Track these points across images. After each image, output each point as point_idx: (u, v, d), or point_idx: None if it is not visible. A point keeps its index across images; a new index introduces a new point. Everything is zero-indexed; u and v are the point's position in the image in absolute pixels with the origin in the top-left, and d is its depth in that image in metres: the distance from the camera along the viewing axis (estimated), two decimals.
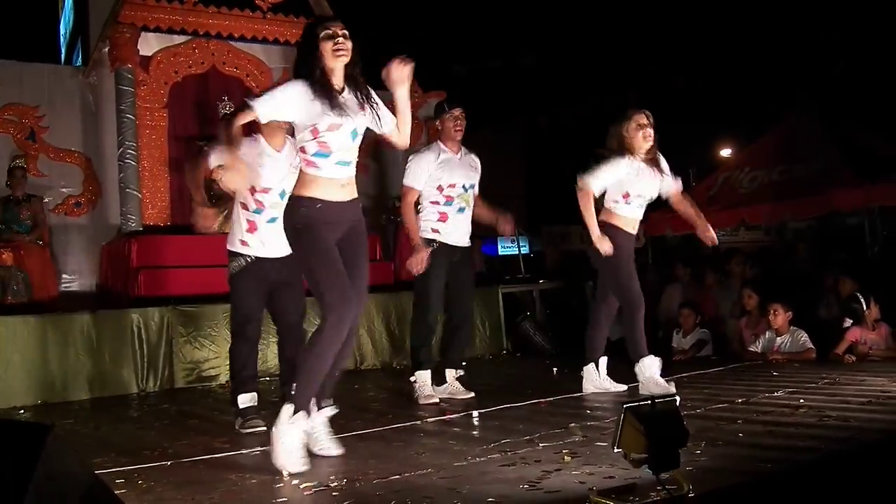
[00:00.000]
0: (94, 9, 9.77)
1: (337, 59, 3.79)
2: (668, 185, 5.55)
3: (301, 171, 3.88)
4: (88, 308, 7.40)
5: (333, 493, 3.12)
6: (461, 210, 5.65)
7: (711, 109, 16.01)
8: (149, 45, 9.32)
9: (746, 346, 7.04)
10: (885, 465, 3.35)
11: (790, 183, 10.05)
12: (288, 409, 3.64)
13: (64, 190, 9.24)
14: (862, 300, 6.59)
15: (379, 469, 3.48)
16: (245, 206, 4.88)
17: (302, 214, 3.82)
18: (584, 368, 5.56)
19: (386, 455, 3.81)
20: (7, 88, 9.02)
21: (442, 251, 5.58)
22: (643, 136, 5.35)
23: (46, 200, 8.80)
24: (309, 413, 3.72)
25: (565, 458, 3.45)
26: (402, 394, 5.83)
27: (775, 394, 4.94)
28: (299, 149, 3.87)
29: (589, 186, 5.35)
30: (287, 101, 3.79)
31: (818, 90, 11.82)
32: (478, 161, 5.85)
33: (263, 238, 4.81)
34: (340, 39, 3.77)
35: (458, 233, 5.68)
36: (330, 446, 3.87)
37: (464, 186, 5.65)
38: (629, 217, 5.47)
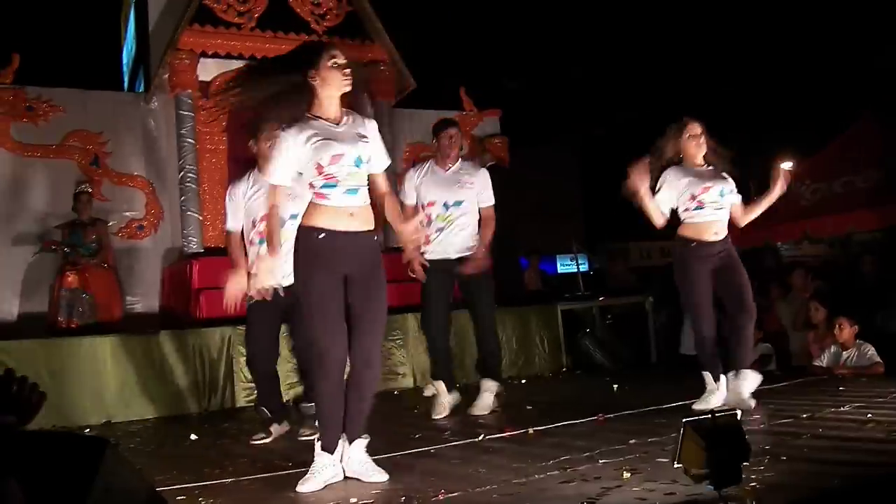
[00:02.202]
0: (154, 36, 9.96)
1: (344, 88, 3.79)
2: (732, 197, 5.47)
3: (310, 202, 3.82)
4: (152, 329, 7.53)
5: None
6: (439, 231, 5.63)
7: (772, 121, 15.81)
8: (207, 70, 9.46)
9: (814, 361, 6.89)
10: None
11: (853, 194, 9.85)
12: (317, 448, 3.78)
13: (127, 214, 9.41)
14: None
15: (438, 487, 3.47)
16: (252, 242, 5.15)
17: (304, 244, 3.82)
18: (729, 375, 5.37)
19: (444, 473, 3.80)
20: (71, 116, 9.23)
21: (434, 267, 5.54)
22: (696, 145, 5.36)
23: (110, 224, 8.98)
24: (333, 451, 3.77)
25: (624, 474, 3.40)
26: (457, 411, 5.80)
27: (842, 409, 4.82)
28: (308, 185, 3.81)
29: (660, 210, 5.40)
30: (288, 160, 3.78)
31: (880, 98, 11.58)
32: (479, 176, 5.76)
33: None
34: (348, 70, 3.77)
35: (445, 247, 5.66)
36: (374, 474, 3.79)
37: (444, 204, 5.63)
38: (703, 223, 5.36)
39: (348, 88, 3.81)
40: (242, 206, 5.31)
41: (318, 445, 3.78)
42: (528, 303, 9.57)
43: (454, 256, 5.64)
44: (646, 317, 9.66)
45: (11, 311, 8.68)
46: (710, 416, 2.72)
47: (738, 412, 2.87)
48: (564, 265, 19.68)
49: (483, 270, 5.67)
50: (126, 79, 18.13)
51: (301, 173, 3.81)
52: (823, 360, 6.74)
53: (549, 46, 16.50)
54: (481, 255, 5.63)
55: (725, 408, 2.92)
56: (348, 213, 3.80)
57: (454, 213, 5.64)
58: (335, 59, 3.76)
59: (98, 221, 8.60)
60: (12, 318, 8.62)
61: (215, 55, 9.30)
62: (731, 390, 5.29)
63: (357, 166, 3.81)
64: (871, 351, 6.53)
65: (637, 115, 18.14)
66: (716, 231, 5.34)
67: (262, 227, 4.89)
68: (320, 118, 3.82)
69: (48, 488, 1.55)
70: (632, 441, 4.20)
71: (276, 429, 5.34)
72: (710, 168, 5.44)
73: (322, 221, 3.77)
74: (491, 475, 3.65)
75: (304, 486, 3.66)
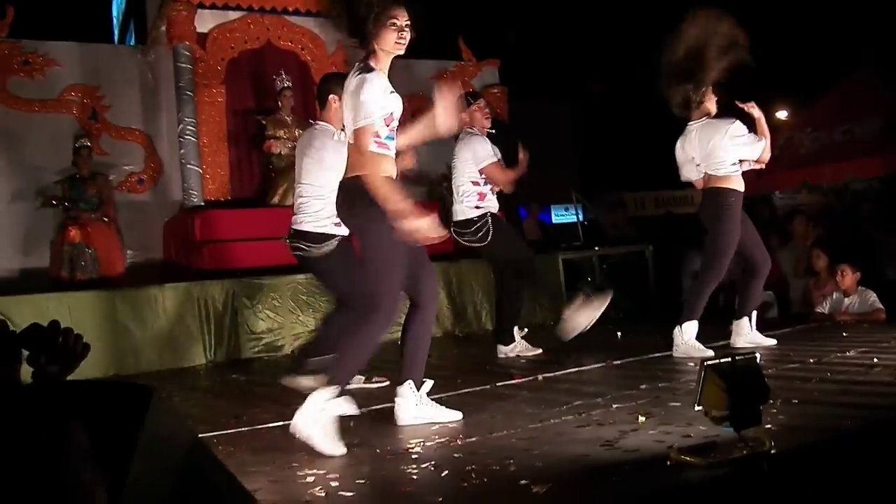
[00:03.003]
0: None
1: (397, 50, 3.72)
2: None
3: (370, 153, 3.64)
4: (155, 282, 7.55)
5: (413, 456, 3.16)
6: (491, 188, 6.00)
7: (767, 70, 15.70)
8: (205, 22, 9.40)
9: (815, 308, 6.95)
10: None
11: (853, 142, 9.86)
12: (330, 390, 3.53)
13: (126, 167, 9.38)
14: None
15: (455, 432, 3.53)
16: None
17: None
18: (736, 322, 5.59)
19: (461, 420, 3.83)
20: (69, 69, 9.17)
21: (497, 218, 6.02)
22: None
23: (110, 178, 8.94)
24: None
25: (640, 418, 3.45)
26: (467, 359, 5.87)
27: (847, 353, 4.87)
28: (374, 133, 3.66)
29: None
30: (386, 101, 3.68)
31: (879, 47, 11.52)
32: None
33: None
34: (404, 32, 3.69)
35: (495, 204, 6.06)
36: (450, 412, 3.88)
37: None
38: (741, 176, 5.57)
39: (400, 51, 3.74)
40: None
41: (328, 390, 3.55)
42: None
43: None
44: (646, 266, 9.70)
45: (12, 267, 8.68)
46: (730, 358, 2.75)
47: (759, 355, 2.90)
48: (559, 215, 19.67)
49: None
50: (116, 31, 17.94)
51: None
52: (825, 307, 6.79)
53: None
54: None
55: (746, 350, 2.95)
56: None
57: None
58: (394, 20, 3.66)
59: (98, 176, 8.58)
60: (13, 273, 8.63)
61: (213, 6, 9.25)
62: (751, 335, 5.56)
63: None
64: (872, 297, 6.58)
65: (634, 68, 18.07)
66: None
67: None
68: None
69: (98, 436, 1.57)
70: (643, 386, 4.25)
71: None
72: None
73: (388, 171, 3.71)
74: (506, 420, 3.70)
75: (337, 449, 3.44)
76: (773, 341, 5.50)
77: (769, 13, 14.25)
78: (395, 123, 3.76)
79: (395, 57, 3.80)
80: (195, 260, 8.11)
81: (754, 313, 5.62)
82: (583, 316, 5.38)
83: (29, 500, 1.35)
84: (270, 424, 4.09)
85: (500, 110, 10.85)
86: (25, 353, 1.87)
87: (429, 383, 3.91)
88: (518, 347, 6.09)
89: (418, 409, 3.82)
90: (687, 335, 5.34)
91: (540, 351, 6.08)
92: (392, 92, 3.69)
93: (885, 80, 10.03)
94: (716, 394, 2.71)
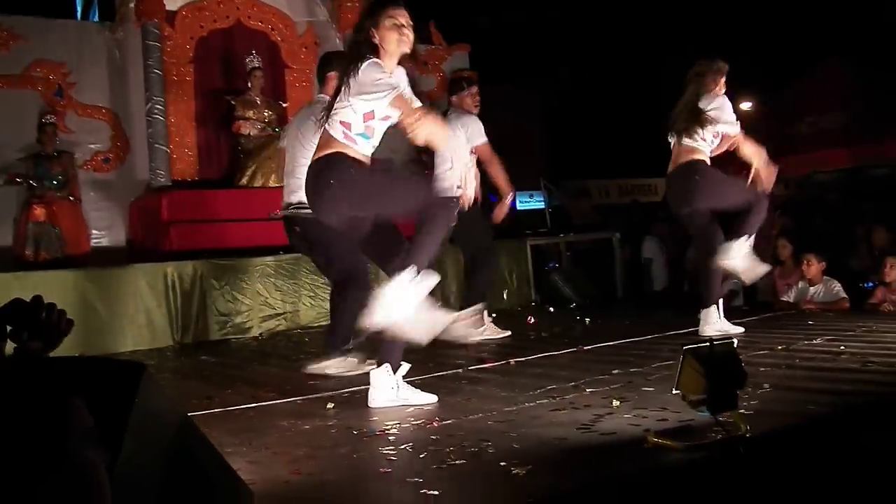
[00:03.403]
0: None
1: (402, 48, 3.74)
2: None
3: (335, 140, 3.75)
4: (121, 262, 7.47)
5: (390, 438, 3.17)
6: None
7: (733, 61, 15.77)
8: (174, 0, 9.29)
9: (779, 296, 7.04)
10: None
11: (818, 134, 9.99)
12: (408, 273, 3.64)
13: (92, 146, 9.22)
14: (888, 263, 6.55)
15: (430, 415, 3.53)
16: None
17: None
18: (704, 311, 5.57)
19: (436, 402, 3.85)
20: (33, 45, 8.98)
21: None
22: (721, 86, 5.57)
23: (77, 157, 8.82)
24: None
25: (614, 402, 3.48)
26: (437, 343, 5.86)
27: (814, 341, 4.95)
28: (341, 120, 3.73)
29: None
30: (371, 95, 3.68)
31: (845, 40, 11.67)
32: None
33: None
34: (406, 31, 3.72)
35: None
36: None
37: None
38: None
39: (406, 50, 3.75)
40: None
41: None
42: (497, 238, 9.62)
43: None
44: (612, 253, 9.78)
45: None
46: (708, 343, 2.79)
47: (735, 341, 2.94)
48: (523, 202, 19.73)
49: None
50: (79, 7, 17.61)
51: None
52: (791, 296, 6.89)
53: None
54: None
55: (722, 336, 2.99)
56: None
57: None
58: (393, 20, 3.69)
59: (64, 154, 8.45)
60: None
61: None
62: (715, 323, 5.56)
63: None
64: (837, 287, 6.69)
65: (601, 57, 18.17)
66: None
67: None
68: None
69: (92, 412, 1.56)
70: (615, 371, 4.29)
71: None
72: None
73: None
74: (481, 403, 3.71)
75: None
76: (740, 329, 5.55)
77: (736, 4, 14.38)
78: (377, 125, 3.75)
79: None
80: (162, 241, 8.02)
81: (721, 302, 5.65)
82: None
83: (31, 478, 1.33)
84: (243, 406, 4.07)
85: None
86: (8, 328, 1.85)
87: (405, 366, 3.90)
88: (488, 330, 6.12)
89: (394, 392, 3.81)
90: (712, 318, 5.49)
91: (508, 333, 6.13)
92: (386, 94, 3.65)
93: (851, 73, 10.16)
94: (694, 378, 2.75)
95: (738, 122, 5.57)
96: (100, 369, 1.69)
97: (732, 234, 5.59)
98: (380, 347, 3.89)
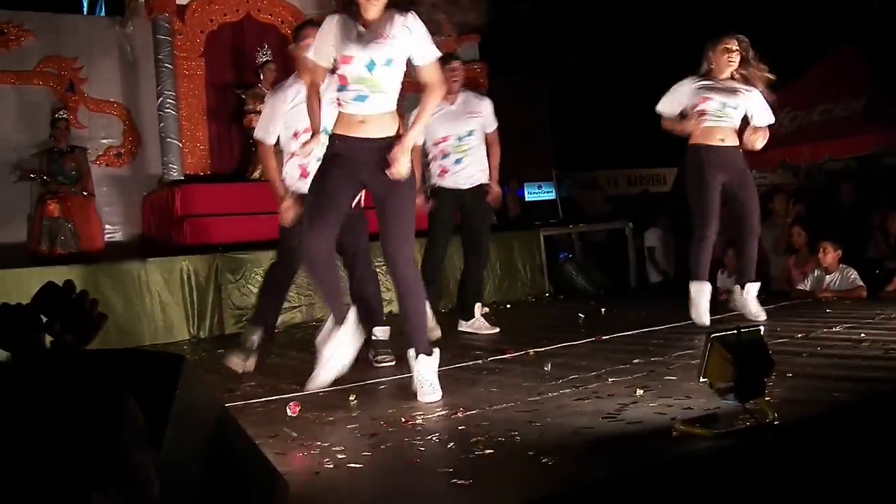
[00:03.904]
0: None
1: None
2: (755, 113, 5.60)
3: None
4: (134, 257, 7.48)
5: (417, 429, 3.17)
6: (458, 161, 5.86)
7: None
8: None
9: (794, 285, 7.02)
10: None
11: (831, 122, 9.93)
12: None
13: (104, 141, 9.27)
14: None
15: (454, 405, 3.53)
16: (293, 154, 4.84)
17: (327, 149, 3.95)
18: (735, 289, 5.78)
19: (458, 392, 3.84)
20: (44, 41, 9.01)
21: (446, 197, 5.91)
22: (727, 59, 5.42)
23: (89, 152, 8.83)
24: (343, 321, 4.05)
25: (638, 391, 3.47)
26: (452, 335, 5.89)
27: (834, 329, 4.95)
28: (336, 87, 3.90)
29: (657, 110, 5.63)
30: (324, 40, 3.86)
31: (858, 28, 11.59)
32: (482, 105, 5.95)
33: None
34: None
35: (460, 177, 5.92)
36: (430, 394, 3.82)
37: (458, 137, 5.82)
38: (707, 129, 5.49)
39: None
40: (282, 114, 4.86)
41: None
42: (509, 229, 9.64)
43: (466, 187, 5.92)
44: (625, 243, 9.76)
45: None
46: (735, 331, 2.78)
47: (762, 328, 2.94)
48: (532, 193, 19.70)
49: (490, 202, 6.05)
50: (86, 2, 17.57)
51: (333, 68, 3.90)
52: (807, 284, 6.87)
53: None
54: (496, 187, 6.02)
55: (750, 323, 2.98)
56: (358, 119, 3.83)
57: (467, 143, 5.85)
58: None
59: (77, 149, 8.47)
60: None
61: None
62: (741, 306, 5.64)
63: (369, 71, 3.75)
64: (853, 275, 6.66)
65: (612, 49, 18.08)
66: (721, 137, 5.49)
67: (304, 137, 4.72)
68: (357, 21, 3.78)
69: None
70: (635, 360, 4.29)
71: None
72: (731, 82, 5.49)
73: (338, 128, 3.88)
74: (504, 394, 3.72)
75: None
76: (763, 316, 5.54)
77: None
78: (346, 69, 3.79)
79: None
80: (176, 235, 8.05)
81: (753, 285, 5.66)
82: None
83: (85, 485, 1.28)
84: (265, 399, 4.08)
85: (481, 86, 10.81)
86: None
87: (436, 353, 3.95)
88: (477, 323, 6.14)
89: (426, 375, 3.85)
90: (749, 295, 5.56)
91: (497, 330, 6.09)
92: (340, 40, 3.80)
93: (864, 61, 10.10)
94: (721, 365, 2.74)
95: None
96: (140, 361, 1.68)
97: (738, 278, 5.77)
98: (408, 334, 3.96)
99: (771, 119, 5.64)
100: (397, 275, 3.89)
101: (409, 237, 3.91)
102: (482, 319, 6.16)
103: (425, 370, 3.82)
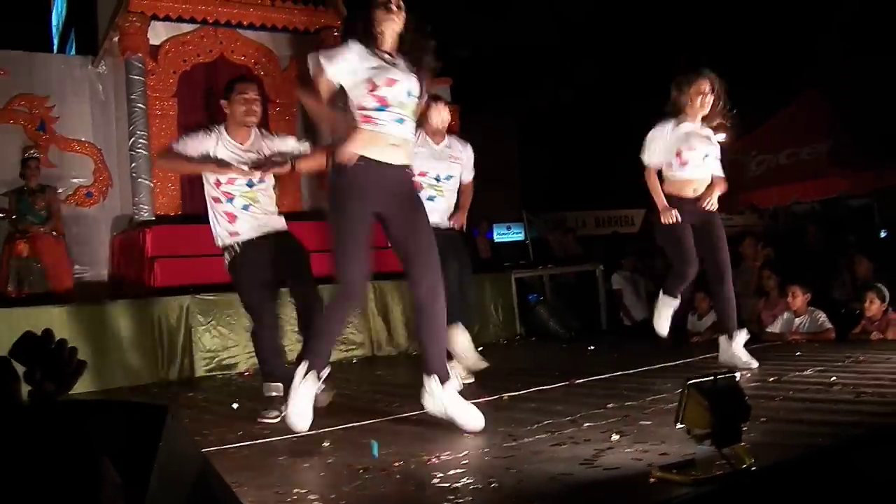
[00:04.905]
0: None
1: (387, 24, 3.93)
2: (713, 162, 5.58)
3: (356, 129, 3.90)
4: (104, 298, 7.41)
5: (394, 476, 3.14)
6: (431, 199, 5.73)
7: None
8: (157, 34, 9.30)
9: (765, 327, 7.09)
10: None
11: (798, 165, 10.10)
12: (301, 368, 3.96)
13: (75, 180, 9.21)
14: (868, 298, 6.61)
15: (429, 450, 3.50)
16: (217, 200, 4.89)
17: (343, 171, 3.88)
18: (721, 339, 5.62)
19: (432, 437, 3.82)
20: (16, 79, 8.98)
21: None
22: (701, 102, 5.38)
23: (59, 191, 8.78)
24: (320, 374, 4.03)
25: (613, 436, 3.48)
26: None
27: (805, 372, 4.99)
28: (357, 107, 3.91)
29: (645, 162, 5.53)
30: (347, 61, 3.90)
31: (822, 73, 11.84)
32: (465, 153, 5.93)
33: (242, 225, 4.88)
34: (394, 7, 3.91)
35: (433, 216, 5.77)
36: (474, 419, 3.90)
37: (436, 178, 5.78)
38: (683, 180, 5.52)
39: (392, 27, 3.94)
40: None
41: (304, 369, 4.02)
42: (481, 270, 9.66)
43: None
44: (595, 285, 9.82)
45: None
46: (712, 377, 2.80)
47: (738, 374, 2.96)
48: (502, 234, 19.83)
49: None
50: (56, 41, 17.54)
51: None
52: (776, 327, 6.94)
53: (497, 17, 16.51)
54: (462, 219, 5.93)
55: (725, 370, 3.00)
56: (392, 142, 3.92)
57: (445, 186, 5.82)
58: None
59: (48, 188, 8.41)
60: None
61: (166, 18, 9.14)
62: (729, 355, 5.50)
63: (407, 97, 3.93)
64: (822, 317, 6.75)
65: (578, 89, 18.30)
66: (695, 188, 5.51)
67: (227, 188, 4.81)
68: (379, 51, 3.95)
69: (115, 458, 1.52)
70: (610, 405, 4.29)
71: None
72: (705, 128, 5.52)
73: (366, 149, 3.88)
74: (479, 439, 3.70)
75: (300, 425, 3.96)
76: (754, 363, 5.42)
77: (714, 37, 14.57)
78: (387, 91, 3.90)
79: None
80: (146, 276, 7.97)
81: (741, 332, 5.56)
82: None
83: None
84: (238, 444, 4.03)
85: (454, 129, 10.88)
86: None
87: (453, 381, 4.02)
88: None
89: (442, 406, 3.94)
90: (735, 343, 5.45)
91: (487, 364, 5.96)
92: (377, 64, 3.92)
93: (828, 105, 10.31)
94: (698, 412, 2.75)
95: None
96: (124, 412, 1.66)
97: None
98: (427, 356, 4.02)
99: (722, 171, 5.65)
100: (439, 296, 4.00)
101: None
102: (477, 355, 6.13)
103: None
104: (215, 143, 4.88)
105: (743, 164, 10.73)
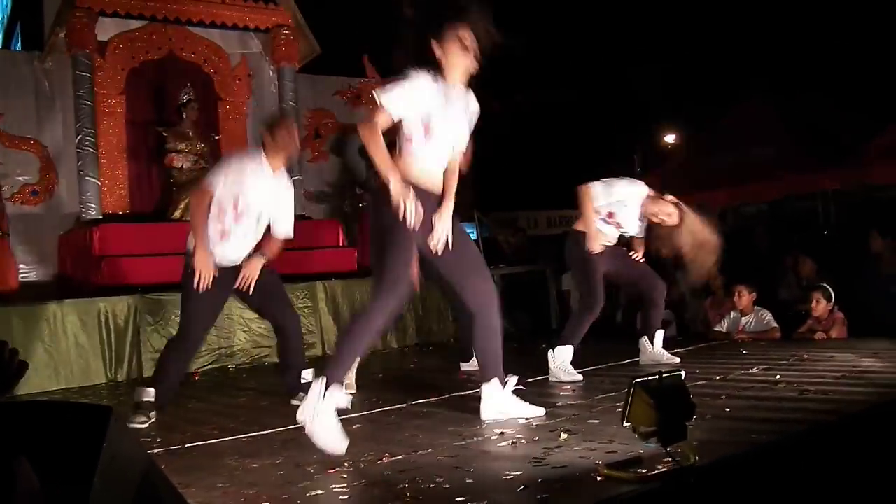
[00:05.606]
0: None
1: (463, 60, 3.81)
2: None
3: (401, 158, 3.83)
4: (51, 298, 7.30)
5: (342, 476, 3.14)
6: None
7: (653, 94, 16.22)
8: (106, 30, 9.19)
9: (712, 326, 7.20)
10: (872, 435, 3.48)
11: (745, 168, 10.25)
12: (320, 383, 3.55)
13: (20, 178, 9.04)
14: (814, 298, 6.74)
15: (379, 450, 3.50)
16: (223, 211, 4.79)
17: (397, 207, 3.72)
18: (641, 341, 5.80)
19: (381, 437, 3.83)
20: None
21: None
22: None
23: (4, 189, 8.62)
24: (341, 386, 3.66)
25: (562, 435, 3.51)
26: (376, 379, 5.87)
27: (750, 370, 5.07)
28: (406, 138, 3.81)
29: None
30: (418, 98, 3.73)
31: (769, 77, 12.05)
32: None
33: (228, 249, 4.84)
34: (469, 43, 3.80)
35: None
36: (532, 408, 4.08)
37: None
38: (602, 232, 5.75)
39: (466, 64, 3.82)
40: (236, 180, 4.79)
41: (322, 386, 3.56)
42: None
43: None
44: (545, 285, 9.88)
45: None
46: (657, 376, 2.84)
47: (683, 372, 3.01)
48: None
49: None
50: (0, 36, 17.21)
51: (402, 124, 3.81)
52: (723, 326, 7.05)
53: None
54: None
55: (670, 369, 3.05)
56: (436, 173, 3.96)
57: None
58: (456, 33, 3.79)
59: None
60: None
61: (115, 14, 9.03)
62: (653, 353, 5.74)
63: (454, 148, 3.99)
64: (768, 317, 6.87)
65: (531, 90, 18.41)
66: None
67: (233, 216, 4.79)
68: (441, 82, 3.81)
69: (57, 458, 1.52)
70: (559, 404, 4.34)
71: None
72: None
73: (412, 178, 3.82)
74: (429, 438, 3.71)
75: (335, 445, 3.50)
76: (676, 359, 5.67)
77: (666, 41, 14.75)
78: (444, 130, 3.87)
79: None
80: (94, 275, 7.87)
81: (659, 332, 5.77)
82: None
83: None
84: (187, 445, 4.01)
85: None
86: None
87: (512, 380, 4.11)
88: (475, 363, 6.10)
89: (503, 406, 4.05)
90: (559, 359, 5.40)
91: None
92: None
93: (774, 109, 10.48)
94: (644, 410, 2.79)
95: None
96: (67, 412, 1.65)
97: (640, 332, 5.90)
98: (484, 363, 4.11)
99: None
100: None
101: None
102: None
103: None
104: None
105: (689, 165, 10.89)
